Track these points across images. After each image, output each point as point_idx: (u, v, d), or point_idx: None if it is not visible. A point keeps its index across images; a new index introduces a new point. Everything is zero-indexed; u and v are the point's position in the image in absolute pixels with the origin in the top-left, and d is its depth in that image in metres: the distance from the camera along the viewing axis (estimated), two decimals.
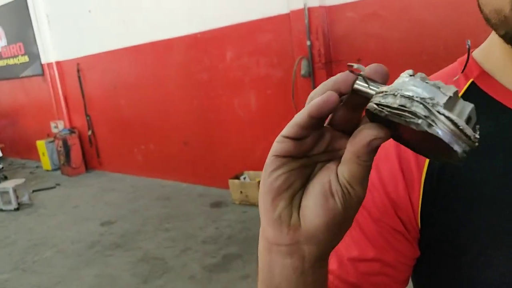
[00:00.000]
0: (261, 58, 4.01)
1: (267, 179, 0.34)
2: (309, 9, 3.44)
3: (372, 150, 0.31)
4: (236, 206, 4.07)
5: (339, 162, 0.33)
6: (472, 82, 0.49)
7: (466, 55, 0.50)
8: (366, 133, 0.31)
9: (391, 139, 0.33)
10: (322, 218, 0.33)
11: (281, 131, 0.35)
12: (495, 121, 0.47)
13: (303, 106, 0.33)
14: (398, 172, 0.49)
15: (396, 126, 0.30)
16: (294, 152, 0.34)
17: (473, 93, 0.48)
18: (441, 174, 0.48)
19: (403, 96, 0.29)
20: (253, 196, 3.96)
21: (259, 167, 4.25)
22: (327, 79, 0.35)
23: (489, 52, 0.51)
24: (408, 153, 0.49)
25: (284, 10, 3.65)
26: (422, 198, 0.49)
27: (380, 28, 3.27)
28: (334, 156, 0.35)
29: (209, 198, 4.36)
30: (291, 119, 0.34)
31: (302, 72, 3.57)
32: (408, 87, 0.30)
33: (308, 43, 3.51)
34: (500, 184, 0.46)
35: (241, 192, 4.03)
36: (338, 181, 0.33)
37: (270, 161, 0.35)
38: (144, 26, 4.81)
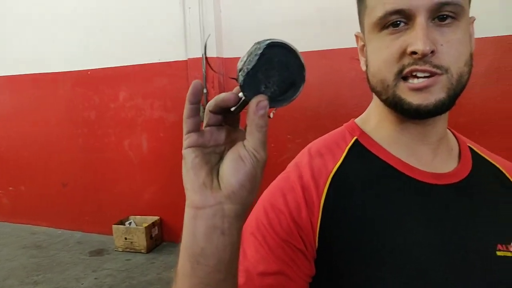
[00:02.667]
0: (155, 101, 4.00)
1: (188, 160, 0.43)
2: (207, 58, 3.60)
3: (263, 114, 0.41)
4: (119, 253, 3.80)
5: (241, 143, 0.43)
6: (356, 139, 0.66)
7: (351, 121, 0.70)
8: (251, 105, 0.41)
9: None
10: (236, 177, 0.41)
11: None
12: (369, 168, 0.62)
13: None
14: (302, 200, 0.59)
15: (260, 78, 0.41)
16: (199, 141, 0.43)
17: (356, 146, 0.65)
18: (336, 204, 0.59)
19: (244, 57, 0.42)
20: (139, 243, 3.76)
21: (148, 212, 4.09)
22: None
23: (368, 119, 0.68)
24: (310, 185, 0.60)
25: (182, 57, 3.76)
26: (320, 222, 0.58)
27: None
28: (234, 143, 0.44)
29: (88, 246, 4.00)
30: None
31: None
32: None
33: (205, 91, 3.64)
34: (374, 217, 0.58)
35: (125, 238, 3.80)
36: (246, 149, 0.42)
37: (186, 151, 0.44)
38: (28, 57, 4.45)
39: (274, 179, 0.66)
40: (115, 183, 4.22)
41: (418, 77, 0.54)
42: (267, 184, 0.67)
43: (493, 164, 0.68)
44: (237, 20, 3.60)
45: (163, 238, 4.14)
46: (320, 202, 0.58)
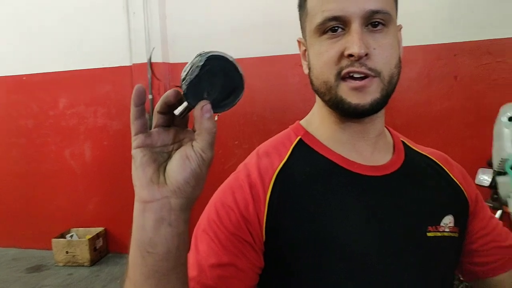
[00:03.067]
0: (99, 108, 3.87)
1: (136, 159, 0.45)
2: (152, 64, 3.56)
3: (209, 116, 0.45)
4: (60, 268, 3.59)
5: (189, 143, 0.47)
6: (300, 138, 0.71)
7: (296, 122, 0.75)
8: (196, 110, 0.46)
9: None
10: (182, 175, 0.45)
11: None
12: (312, 164, 0.67)
13: None
14: (249, 196, 0.63)
15: (203, 87, 0.47)
16: (147, 142, 0.46)
17: (300, 145, 0.70)
18: (280, 198, 0.63)
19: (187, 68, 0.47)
20: (82, 256, 3.58)
21: (92, 223, 3.92)
22: None
23: (311, 120, 0.73)
24: (257, 182, 0.64)
25: (127, 63, 3.68)
26: (266, 216, 0.62)
27: None
28: (182, 143, 0.48)
29: (26, 262, 3.73)
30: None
31: None
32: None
33: (150, 97, 3.58)
34: (318, 209, 0.62)
35: (67, 252, 3.60)
36: (193, 150, 0.46)
37: (135, 151, 0.47)
38: None
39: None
40: (55, 194, 4.00)
41: (355, 78, 0.60)
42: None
43: (424, 154, 0.75)
44: (183, 25, 3.60)
45: (108, 249, 3.98)
46: (266, 198, 0.63)
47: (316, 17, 0.61)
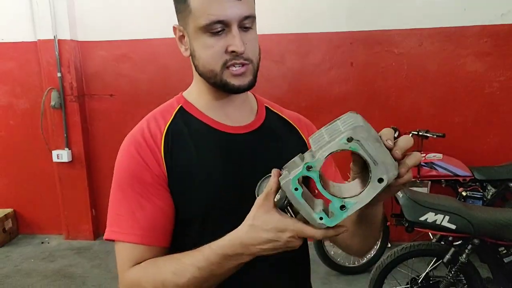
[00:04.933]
0: (2, 86, 3.65)
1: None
2: (60, 41, 3.42)
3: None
4: None
5: None
6: (181, 106, 0.88)
7: (179, 93, 0.93)
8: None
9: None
10: None
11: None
12: (189, 126, 0.84)
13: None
14: (147, 148, 0.81)
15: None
16: None
17: (181, 111, 0.86)
18: (170, 150, 0.82)
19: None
20: None
21: (0, 205, 3.76)
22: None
23: (191, 92, 0.91)
24: (150, 140, 0.81)
25: (31, 38, 3.50)
26: (165, 163, 0.80)
27: (131, 69, 3.58)
28: None
29: None
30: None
31: (52, 103, 3.47)
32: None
33: (59, 75, 3.46)
34: (195, 156, 0.82)
35: None
36: None
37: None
38: None
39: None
40: None
41: (235, 66, 0.78)
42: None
43: (281, 116, 0.96)
44: (92, 3, 3.48)
45: (18, 230, 3.90)
46: (160, 149, 0.81)
47: (202, 18, 0.75)
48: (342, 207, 0.59)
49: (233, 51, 0.76)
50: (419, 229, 1.94)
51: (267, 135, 0.89)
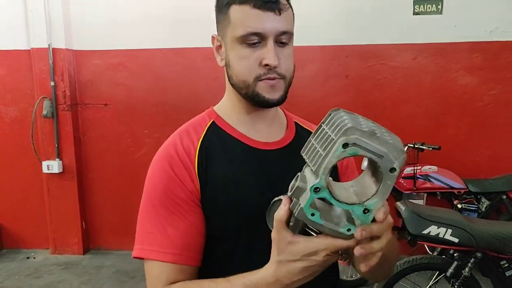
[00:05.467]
0: None
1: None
2: (54, 49, 3.37)
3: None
4: None
5: None
6: (213, 121, 0.88)
7: (210, 108, 0.92)
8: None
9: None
10: None
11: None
12: (221, 142, 0.84)
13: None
14: (181, 165, 0.80)
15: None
16: None
17: (213, 126, 0.86)
18: (203, 166, 0.81)
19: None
20: None
21: None
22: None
23: (223, 106, 0.91)
24: (184, 155, 0.81)
25: (24, 47, 3.44)
26: (199, 180, 0.80)
27: (127, 77, 3.54)
28: None
29: None
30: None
31: (44, 112, 3.40)
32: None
33: (52, 83, 3.40)
34: (228, 171, 0.82)
35: None
36: None
37: None
38: None
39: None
40: None
41: (268, 80, 0.78)
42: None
43: (311, 132, 0.96)
44: (89, 11, 3.46)
45: (2, 245, 3.78)
46: (194, 166, 0.80)
47: (240, 29, 0.76)
48: (365, 211, 0.57)
49: (266, 65, 0.77)
50: (421, 242, 1.95)
51: (298, 152, 0.88)
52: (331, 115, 0.60)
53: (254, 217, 0.78)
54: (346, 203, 0.57)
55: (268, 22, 0.76)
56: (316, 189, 0.56)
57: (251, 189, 0.81)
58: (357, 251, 0.58)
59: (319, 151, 0.57)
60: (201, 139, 0.83)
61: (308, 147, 0.61)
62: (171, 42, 3.44)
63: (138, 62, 3.52)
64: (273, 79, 0.78)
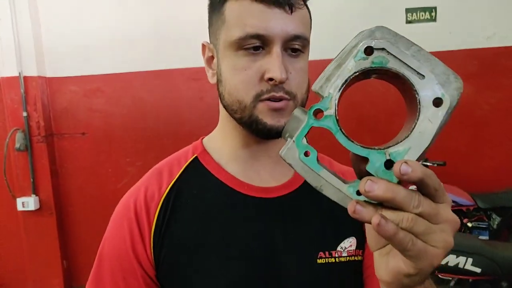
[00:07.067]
0: None
1: None
2: (25, 77, 3.16)
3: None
4: None
5: None
6: (196, 156, 0.68)
7: (199, 139, 0.70)
8: None
9: None
10: None
11: None
12: (201, 186, 0.64)
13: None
14: (136, 229, 0.62)
15: None
16: None
17: (195, 163, 0.67)
18: (167, 218, 0.61)
19: None
20: None
21: None
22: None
23: (214, 137, 0.70)
24: (142, 212, 0.62)
25: None
26: (153, 248, 0.61)
27: (104, 103, 3.34)
28: None
29: None
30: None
31: (17, 145, 3.16)
32: None
33: (25, 114, 3.18)
34: (205, 227, 0.60)
35: None
36: None
37: None
38: None
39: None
40: None
41: (272, 100, 0.57)
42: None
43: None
44: (62, 35, 3.27)
45: None
46: (151, 227, 0.60)
47: (237, 30, 0.56)
48: (388, 163, 0.35)
49: (270, 79, 0.55)
50: (440, 275, 1.73)
51: (309, 199, 0.64)
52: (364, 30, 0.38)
53: None
54: (361, 146, 0.37)
55: (274, 21, 0.55)
56: (317, 112, 0.37)
57: (237, 257, 0.59)
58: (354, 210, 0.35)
59: (331, 67, 0.38)
60: (172, 182, 0.62)
61: (321, 75, 0.39)
62: (150, 64, 3.25)
63: (116, 86, 3.32)
64: (279, 99, 0.56)
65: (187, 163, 0.66)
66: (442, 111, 0.35)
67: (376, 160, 0.36)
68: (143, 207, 0.61)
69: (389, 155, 0.36)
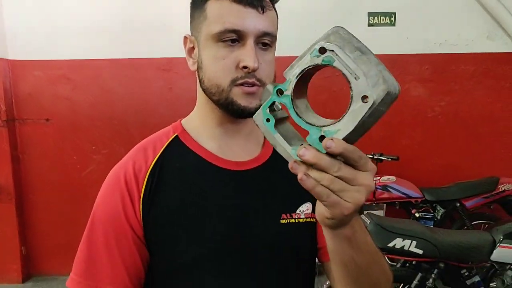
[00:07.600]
0: None
1: None
2: None
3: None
4: None
5: None
6: (176, 135, 0.77)
7: (178, 120, 0.80)
8: None
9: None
10: None
11: None
12: (183, 160, 0.74)
13: None
14: (127, 196, 0.71)
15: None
16: None
17: (175, 141, 0.76)
18: (153, 190, 0.70)
19: None
20: None
21: None
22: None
23: (191, 119, 0.81)
24: (132, 181, 0.71)
25: None
26: (142, 212, 0.70)
27: (70, 90, 3.30)
28: None
29: None
30: None
31: None
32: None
33: None
34: (186, 196, 0.71)
35: None
36: None
37: None
38: None
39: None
40: None
41: (245, 85, 0.69)
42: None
43: None
44: (27, 16, 3.20)
45: None
46: (140, 193, 0.70)
47: (216, 25, 0.67)
48: (321, 138, 0.47)
49: (244, 67, 0.67)
50: (386, 255, 1.91)
51: (275, 171, 0.77)
52: (331, 29, 0.49)
53: (219, 252, 0.69)
54: (305, 121, 0.48)
55: (249, 19, 0.67)
56: (279, 91, 0.49)
57: (215, 218, 0.70)
58: (291, 164, 0.48)
59: (297, 58, 0.50)
60: (156, 157, 0.73)
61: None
62: (118, 53, 3.25)
63: (83, 73, 3.29)
64: (252, 84, 0.68)
65: (169, 141, 0.76)
66: (366, 106, 0.45)
67: (314, 134, 0.47)
68: (132, 177, 0.71)
69: (323, 132, 0.47)
